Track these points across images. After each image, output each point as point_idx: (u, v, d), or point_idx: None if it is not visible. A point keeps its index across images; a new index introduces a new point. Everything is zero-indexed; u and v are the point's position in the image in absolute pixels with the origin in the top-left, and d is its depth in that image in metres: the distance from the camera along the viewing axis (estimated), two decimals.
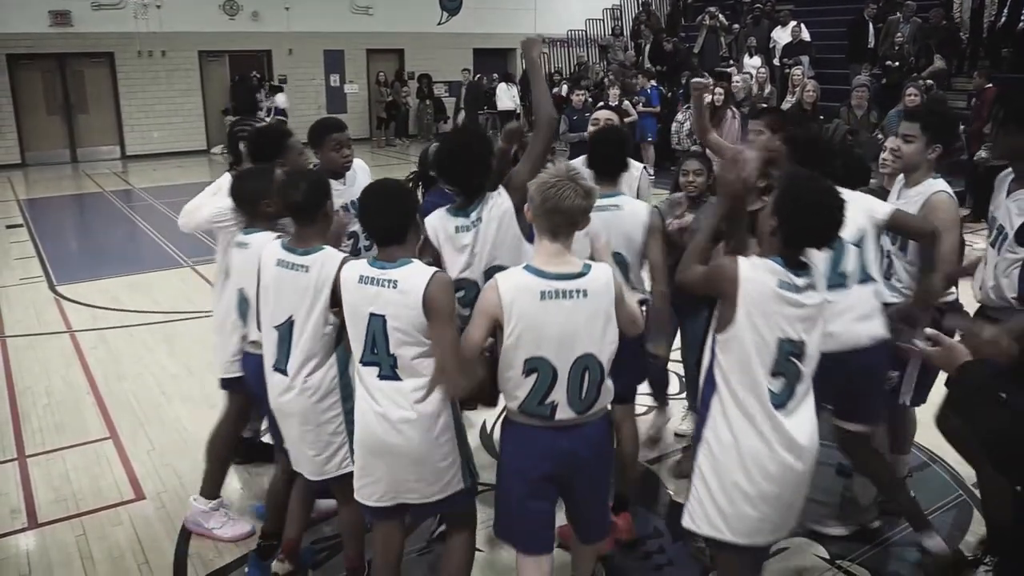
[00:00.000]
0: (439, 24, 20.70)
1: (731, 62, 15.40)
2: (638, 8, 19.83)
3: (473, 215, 2.96)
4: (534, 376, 2.41)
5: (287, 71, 18.79)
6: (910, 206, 3.20)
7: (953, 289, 3.41)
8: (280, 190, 2.85)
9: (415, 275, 2.45)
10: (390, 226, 2.52)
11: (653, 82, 14.35)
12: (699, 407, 2.53)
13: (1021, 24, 12.33)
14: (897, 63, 12.58)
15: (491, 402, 2.95)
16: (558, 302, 2.37)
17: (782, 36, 14.57)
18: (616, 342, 2.47)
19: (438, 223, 2.99)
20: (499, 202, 2.97)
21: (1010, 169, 3.15)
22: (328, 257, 2.70)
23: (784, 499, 2.40)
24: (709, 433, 2.42)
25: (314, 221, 2.78)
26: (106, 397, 5.20)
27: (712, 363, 2.43)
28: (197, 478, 3.65)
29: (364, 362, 2.53)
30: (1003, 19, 12.63)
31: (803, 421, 2.39)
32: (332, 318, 2.71)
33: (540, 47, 3.41)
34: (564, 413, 2.44)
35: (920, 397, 3.43)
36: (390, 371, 2.50)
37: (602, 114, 3.93)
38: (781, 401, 2.35)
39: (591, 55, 19.92)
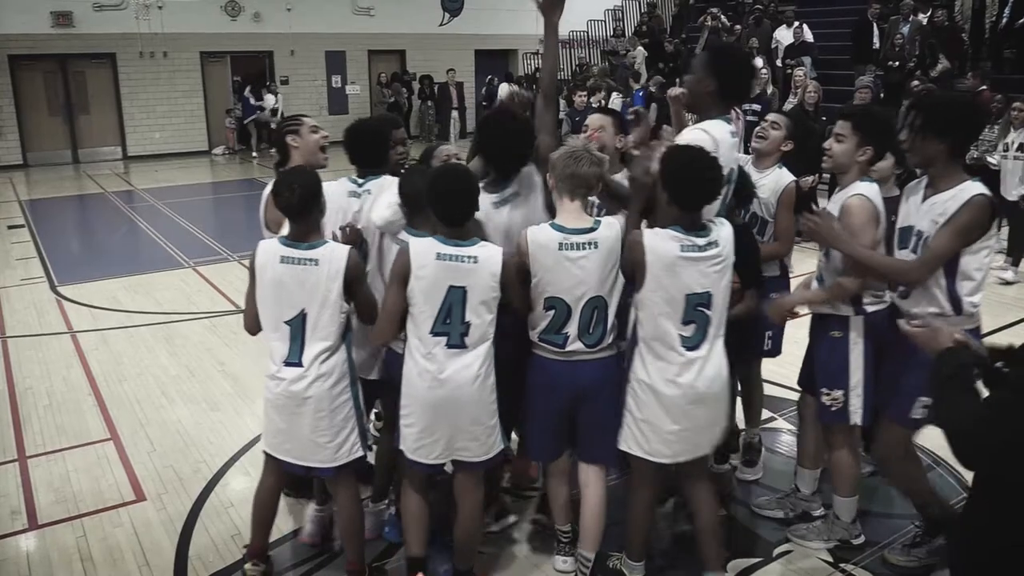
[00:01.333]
0: (441, 25, 20.69)
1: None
2: (641, 9, 19.83)
3: (506, 191, 3.21)
4: (552, 312, 2.95)
5: (289, 72, 18.79)
6: (834, 209, 3.16)
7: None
8: (274, 190, 2.98)
9: (491, 254, 2.86)
10: (467, 209, 2.88)
11: (639, 85, 14.50)
12: (626, 355, 3.03)
13: (1022, 22, 12.30)
14: (897, 63, 12.58)
15: None
16: (573, 252, 2.89)
17: (785, 37, 14.55)
18: (622, 287, 2.99)
19: (486, 204, 3.15)
20: (533, 178, 3.23)
21: (919, 178, 3.14)
22: (336, 248, 2.92)
23: (694, 429, 2.92)
24: (633, 377, 2.95)
25: (311, 217, 2.92)
26: (107, 398, 5.19)
27: (635, 320, 2.94)
28: (198, 479, 3.64)
29: (435, 332, 2.85)
30: (1004, 19, 12.62)
31: (714, 358, 2.90)
32: (345, 305, 2.93)
33: (560, 7, 3.39)
34: (574, 344, 2.97)
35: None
36: (459, 340, 2.86)
37: (594, 119, 3.81)
38: (694, 343, 2.86)
39: (593, 57, 19.93)
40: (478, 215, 2.99)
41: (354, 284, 2.93)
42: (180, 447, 4.48)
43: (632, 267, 2.86)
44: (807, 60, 13.55)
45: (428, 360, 2.86)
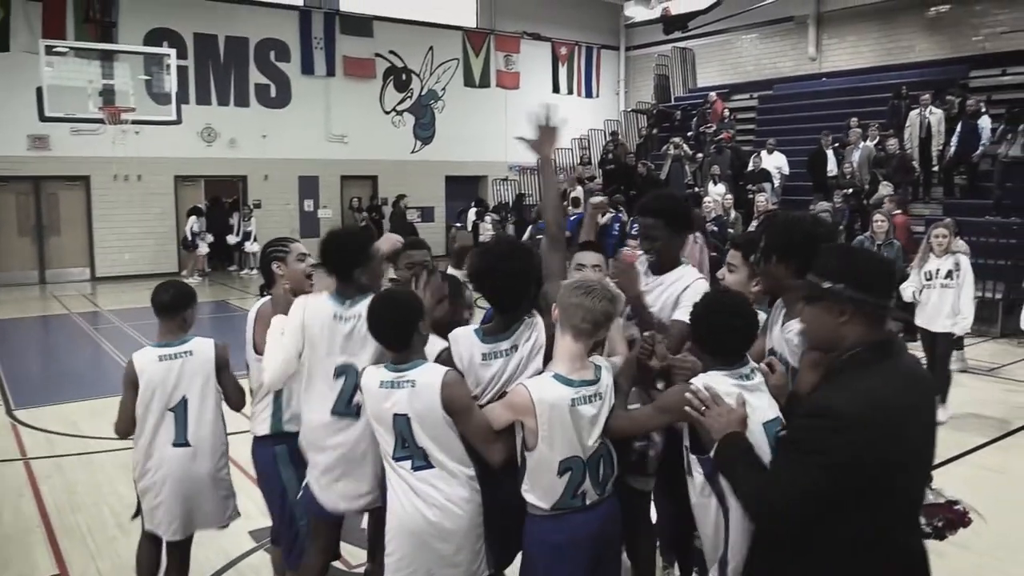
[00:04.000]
0: (412, 152, 21.30)
1: (696, 189, 15.97)
2: (606, 138, 20.61)
3: (507, 343, 2.79)
4: (568, 474, 2.58)
5: (262, 195, 19.09)
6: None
7: None
8: (155, 293, 3.68)
9: (430, 378, 2.66)
10: (399, 332, 2.72)
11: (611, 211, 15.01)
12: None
13: (976, 154, 12.92)
14: (851, 190, 13.10)
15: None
16: (585, 407, 2.57)
17: (750, 163, 15.14)
18: None
19: (464, 349, 2.81)
20: (536, 334, 2.81)
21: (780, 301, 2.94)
22: (203, 342, 3.63)
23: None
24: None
25: (178, 318, 3.65)
26: (58, 530, 4.95)
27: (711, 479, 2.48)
28: None
29: (396, 457, 2.71)
30: (952, 148, 13.26)
31: None
32: (219, 388, 3.55)
33: (554, 141, 3.24)
34: (591, 498, 2.64)
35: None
36: (424, 461, 2.69)
37: (588, 258, 3.43)
38: None
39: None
40: (460, 366, 2.76)
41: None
42: None
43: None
44: (767, 186, 14.07)
45: (403, 483, 2.73)
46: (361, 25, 20.13)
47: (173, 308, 3.65)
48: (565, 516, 2.61)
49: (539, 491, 2.61)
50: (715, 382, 2.42)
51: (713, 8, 16.63)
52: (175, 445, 3.52)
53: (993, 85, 15.24)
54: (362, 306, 2.92)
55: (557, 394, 2.53)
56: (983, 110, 13.20)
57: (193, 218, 17.40)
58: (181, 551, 3.69)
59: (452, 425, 2.67)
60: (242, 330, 3.56)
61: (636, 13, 20.96)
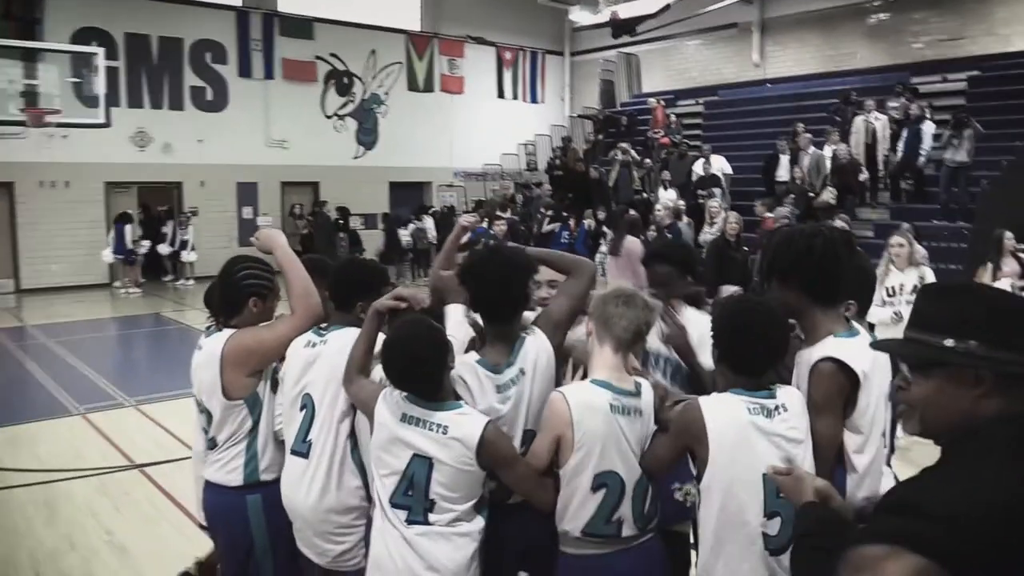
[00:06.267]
0: (355, 158, 20.78)
1: (644, 194, 15.88)
2: (552, 144, 20.46)
3: (511, 371, 2.54)
4: (603, 492, 2.34)
5: (199, 203, 18.34)
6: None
7: None
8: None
9: (468, 429, 2.34)
10: (427, 376, 2.39)
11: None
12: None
13: (920, 159, 13.04)
14: (797, 195, 13.11)
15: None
16: (625, 417, 2.36)
17: (697, 168, 15.05)
18: None
19: (475, 382, 2.53)
20: (541, 351, 2.58)
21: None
22: None
23: None
24: None
25: None
26: None
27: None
28: None
29: (394, 504, 2.40)
30: (899, 154, 13.37)
31: None
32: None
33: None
34: (629, 530, 2.38)
35: None
36: (423, 517, 2.37)
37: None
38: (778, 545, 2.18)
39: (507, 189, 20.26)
40: (481, 408, 2.48)
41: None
42: None
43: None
44: (717, 191, 14.00)
45: (391, 529, 2.41)
46: (301, 27, 19.55)
47: None
48: (603, 558, 2.35)
49: (569, 512, 2.37)
50: (724, 403, 2.20)
51: (662, 12, 16.55)
52: None
53: (934, 92, 15.43)
54: (335, 334, 2.80)
55: (594, 395, 2.35)
56: (926, 115, 13.33)
57: (130, 227, 16.61)
58: None
59: (480, 480, 2.41)
60: (178, 344, 3.15)
61: (581, 18, 20.78)
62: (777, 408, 2.22)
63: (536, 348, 2.57)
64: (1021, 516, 1.31)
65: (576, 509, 2.35)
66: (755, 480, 2.15)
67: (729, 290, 6.55)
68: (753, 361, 2.25)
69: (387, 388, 2.48)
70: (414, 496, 2.37)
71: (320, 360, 2.80)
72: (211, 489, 3.02)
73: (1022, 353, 1.46)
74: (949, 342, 1.49)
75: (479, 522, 2.42)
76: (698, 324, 2.99)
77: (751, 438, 2.16)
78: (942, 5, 17.01)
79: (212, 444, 3.01)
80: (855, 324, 2.49)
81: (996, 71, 15.14)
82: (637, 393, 2.41)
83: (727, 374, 2.29)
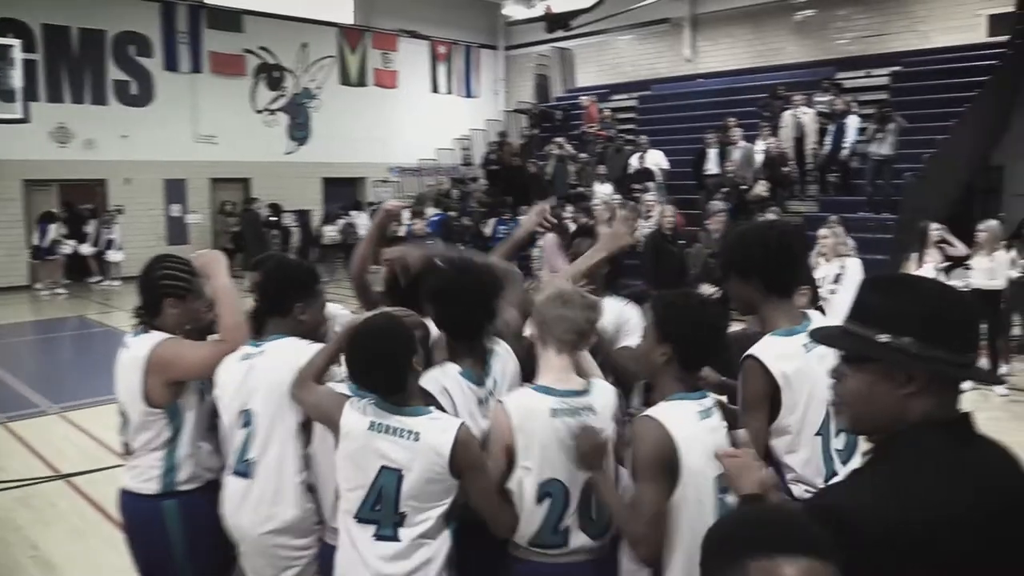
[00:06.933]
0: (287, 153, 20.39)
1: (580, 188, 15.98)
2: (488, 138, 20.43)
3: (490, 382, 2.54)
4: (547, 501, 2.28)
5: (124, 200, 17.74)
6: None
7: None
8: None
9: (439, 434, 2.24)
10: (388, 373, 2.29)
11: (437, 210, 15.17)
12: None
13: (844, 153, 13.40)
14: (729, 189, 13.34)
15: None
16: (575, 419, 2.27)
17: (633, 162, 15.20)
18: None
19: (459, 394, 2.47)
20: (508, 361, 2.60)
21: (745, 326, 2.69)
22: None
23: None
24: None
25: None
26: None
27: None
28: None
29: (360, 518, 2.29)
30: (825, 148, 13.72)
31: None
32: None
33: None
34: (578, 539, 2.31)
35: None
36: (392, 531, 2.26)
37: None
38: None
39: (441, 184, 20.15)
40: (462, 416, 2.43)
41: None
42: None
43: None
44: (651, 185, 14.15)
45: (359, 543, 2.30)
46: (229, 19, 19.06)
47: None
48: (554, 567, 2.28)
49: (508, 523, 2.31)
50: (677, 414, 2.13)
51: (596, 7, 16.63)
52: None
53: (859, 87, 15.86)
54: (273, 345, 2.67)
55: (535, 402, 2.28)
56: (851, 110, 13.69)
57: (54, 226, 15.98)
58: None
59: (451, 489, 2.29)
60: (104, 348, 3.00)
61: (515, 12, 20.76)
62: (712, 409, 2.23)
63: (505, 357, 2.58)
64: (927, 533, 1.32)
65: (525, 520, 2.30)
66: (708, 487, 2.14)
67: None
68: (705, 358, 2.27)
69: (353, 397, 2.38)
70: (383, 510, 2.27)
71: (257, 373, 2.66)
72: (126, 496, 2.90)
73: (959, 353, 1.43)
74: (884, 337, 1.43)
75: (446, 538, 2.33)
76: (614, 311, 3.00)
77: (707, 443, 2.14)
78: (865, 2, 17.51)
79: (127, 449, 2.91)
80: (808, 314, 2.52)
81: (917, 66, 15.68)
82: (586, 391, 2.35)
83: (672, 372, 2.21)
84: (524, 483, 2.28)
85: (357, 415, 2.30)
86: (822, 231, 6.77)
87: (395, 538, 2.27)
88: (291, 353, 2.63)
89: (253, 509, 2.64)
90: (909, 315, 1.43)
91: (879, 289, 1.52)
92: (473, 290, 2.48)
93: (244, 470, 2.67)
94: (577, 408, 2.30)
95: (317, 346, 2.64)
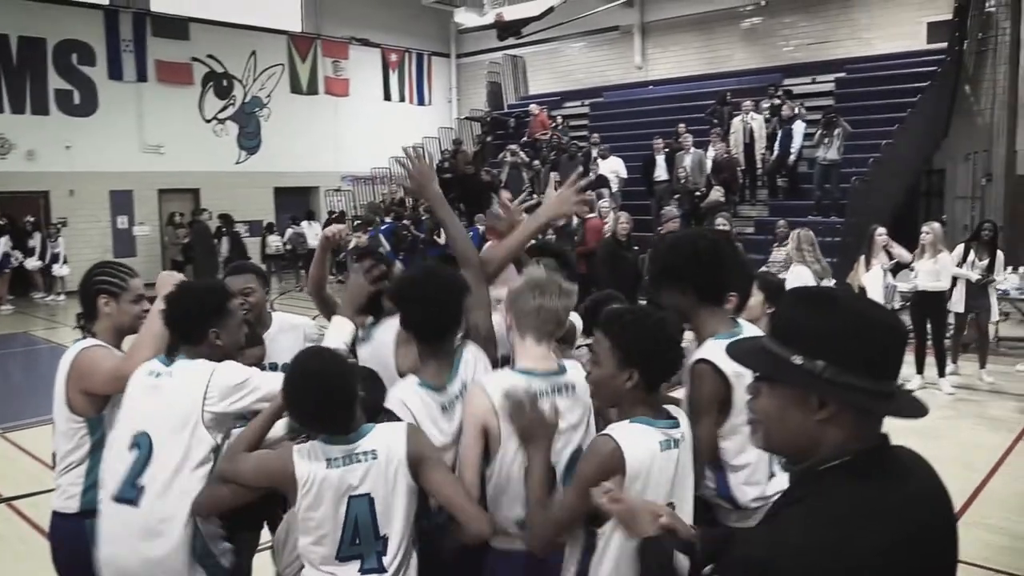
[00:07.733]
0: (237, 163, 20.09)
1: (534, 196, 15.98)
2: (441, 146, 20.36)
3: (454, 387, 2.46)
4: None
5: (68, 213, 17.32)
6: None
7: None
8: None
9: (392, 439, 2.22)
10: (339, 414, 2.21)
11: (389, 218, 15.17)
12: None
13: (791, 158, 13.63)
14: (681, 195, 13.49)
15: None
16: (550, 399, 2.29)
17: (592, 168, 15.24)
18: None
19: (418, 405, 2.41)
20: (478, 363, 2.55)
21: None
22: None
23: None
24: None
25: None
26: None
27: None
28: None
29: (343, 558, 2.18)
30: (775, 153, 13.94)
31: None
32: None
33: (432, 182, 2.86)
34: None
35: None
36: (376, 562, 2.19)
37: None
38: None
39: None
40: (428, 430, 2.37)
41: None
42: None
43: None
44: (605, 192, 14.21)
45: None
46: (175, 27, 18.73)
47: None
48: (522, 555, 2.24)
49: (503, 503, 2.30)
50: (637, 440, 2.03)
51: (546, 15, 16.69)
52: None
53: (806, 92, 16.15)
54: (182, 367, 2.54)
55: (515, 382, 2.29)
56: (797, 114, 13.94)
57: (4, 239, 15.51)
58: None
59: (413, 497, 2.26)
60: (49, 365, 2.93)
61: (466, 20, 20.72)
62: (679, 441, 2.12)
63: (474, 357, 2.54)
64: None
65: (512, 501, 2.29)
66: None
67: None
68: (669, 376, 2.19)
69: (297, 445, 2.27)
70: (362, 543, 2.19)
71: (160, 395, 2.50)
72: (53, 517, 2.82)
73: (877, 380, 1.32)
74: (797, 359, 1.33)
75: (415, 566, 2.30)
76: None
77: (660, 478, 2.06)
78: (810, 10, 17.85)
79: (54, 460, 2.84)
80: (740, 322, 2.55)
81: (861, 73, 16.01)
82: (562, 371, 2.38)
83: (637, 396, 2.10)
84: (510, 464, 2.27)
85: (309, 461, 2.20)
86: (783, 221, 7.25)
87: (381, 569, 2.20)
88: (198, 379, 2.50)
89: (139, 538, 2.45)
90: (825, 336, 1.33)
91: (800, 305, 1.41)
92: (438, 292, 2.43)
93: (131, 496, 2.48)
94: (559, 385, 2.34)
95: (229, 366, 2.53)
